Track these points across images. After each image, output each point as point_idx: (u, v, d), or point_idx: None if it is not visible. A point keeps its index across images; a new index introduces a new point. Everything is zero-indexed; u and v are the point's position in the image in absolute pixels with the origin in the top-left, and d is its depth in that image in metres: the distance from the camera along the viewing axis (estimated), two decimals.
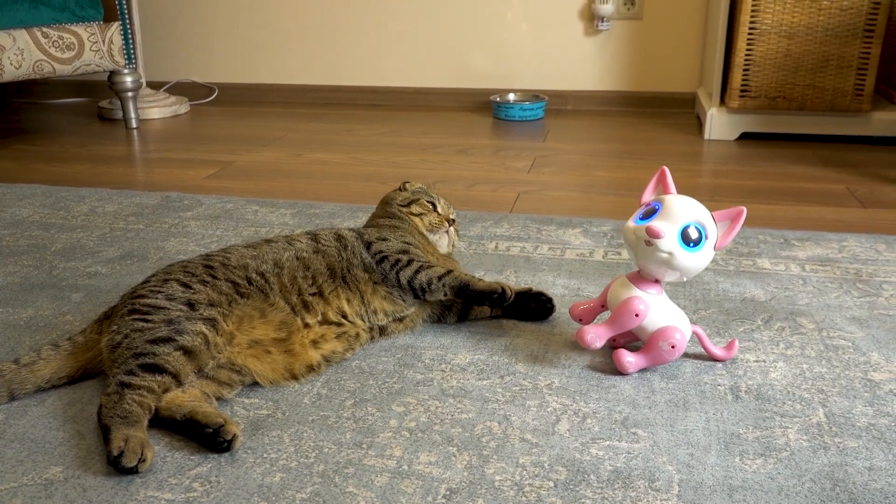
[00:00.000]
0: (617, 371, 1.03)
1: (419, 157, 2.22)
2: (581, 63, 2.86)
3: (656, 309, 1.01)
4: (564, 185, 1.93)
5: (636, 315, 1.00)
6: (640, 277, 1.03)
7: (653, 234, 0.96)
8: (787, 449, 0.86)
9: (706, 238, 0.98)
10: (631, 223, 1.01)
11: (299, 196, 1.85)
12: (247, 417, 0.94)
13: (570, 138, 2.45)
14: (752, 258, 1.41)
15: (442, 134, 2.52)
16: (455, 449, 0.87)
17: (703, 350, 1.07)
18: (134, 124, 2.64)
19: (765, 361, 1.05)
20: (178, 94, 3.07)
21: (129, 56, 2.55)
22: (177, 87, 3.15)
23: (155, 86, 3.06)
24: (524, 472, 0.83)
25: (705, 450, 0.86)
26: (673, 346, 1.00)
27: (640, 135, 2.48)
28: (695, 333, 1.05)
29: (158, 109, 2.83)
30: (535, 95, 2.82)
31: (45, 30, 2.31)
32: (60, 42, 2.34)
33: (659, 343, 1.00)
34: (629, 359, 1.02)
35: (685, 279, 1.02)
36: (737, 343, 1.07)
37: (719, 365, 1.04)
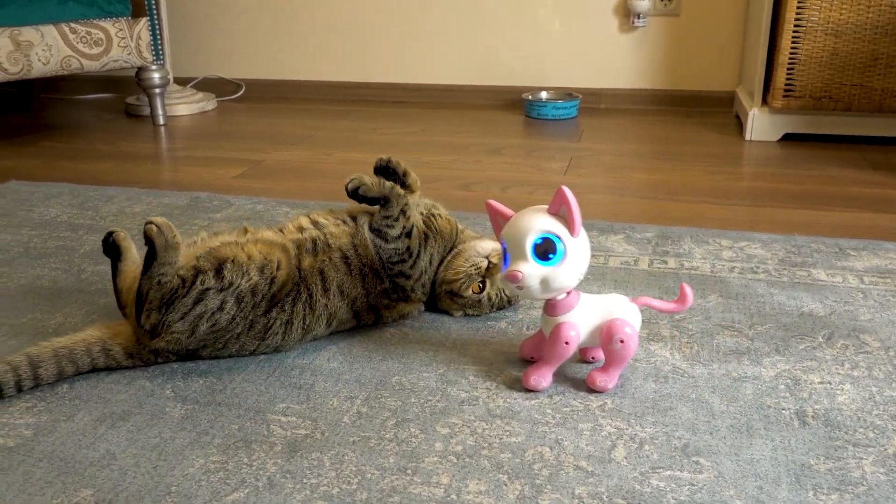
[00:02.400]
0: (675, 392, 0.97)
1: (451, 157, 2.17)
2: (616, 60, 2.79)
3: (584, 320, 0.96)
4: (602, 188, 1.87)
5: (567, 343, 0.95)
6: (551, 302, 0.97)
7: (514, 281, 0.92)
8: (864, 483, 0.80)
9: (559, 239, 0.92)
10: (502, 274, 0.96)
11: (330, 197, 1.80)
12: (284, 437, 0.89)
13: (605, 138, 2.38)
14: (806, 268, 1.35)
15: (473, 133, 2.47)
16: (505, 476, 0.82)
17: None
18: (161, 121, 2.61)
19: (830, 383, 0.99)
20: (205, 90, 3.04)
21: (157, 52, 2.51)
22: (204, 83, 3.12)
23: (182, 82, 3.03)
24: None
25: (775, 482, 0.81)
26: (622, 341, 0.95)
27: (678, 135, 2.41)
28: (646, 306, 1.00)
29: (186, 106, 2.80)
30: (569, 94, 2.75)
31: (73, 25, 2.28)
32: (88, 38, 2.31)
33: (609, 346, 0.96)
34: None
35: (581, 277, 0.95)
36: (687, 289, 0.99)
37: (782, 386, 0.98)
